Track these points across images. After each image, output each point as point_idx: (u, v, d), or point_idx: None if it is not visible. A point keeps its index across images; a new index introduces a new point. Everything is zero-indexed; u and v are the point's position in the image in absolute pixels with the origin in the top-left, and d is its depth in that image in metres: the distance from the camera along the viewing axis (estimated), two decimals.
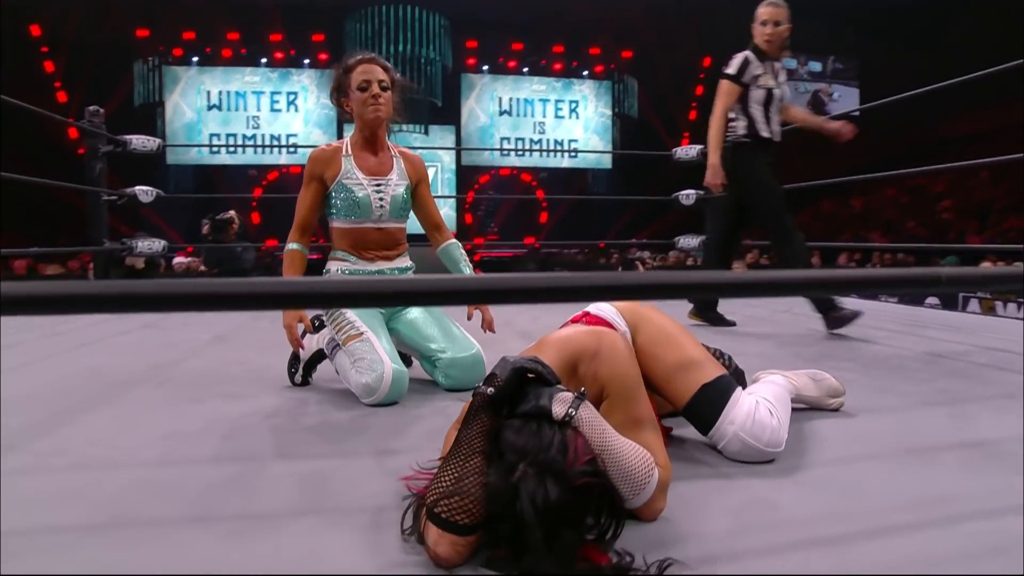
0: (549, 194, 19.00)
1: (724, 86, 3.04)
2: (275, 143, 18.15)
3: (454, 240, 1.97)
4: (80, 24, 15.72)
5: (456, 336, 1.82)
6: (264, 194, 17.76)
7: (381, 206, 1.83)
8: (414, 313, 1.86)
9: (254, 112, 18.24)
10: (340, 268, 1.85)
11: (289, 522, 0.92)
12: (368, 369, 1.59)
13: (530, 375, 0.90)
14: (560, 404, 0.86)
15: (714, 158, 2.89)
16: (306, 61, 18.16)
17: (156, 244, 4.42)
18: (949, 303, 6.18)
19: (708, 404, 1.18)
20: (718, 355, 1.38)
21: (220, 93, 18.04)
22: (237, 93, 18.14)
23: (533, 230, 18.98)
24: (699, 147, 4.94)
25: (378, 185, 1.83)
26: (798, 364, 1.86)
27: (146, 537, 0.89)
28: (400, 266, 1.91)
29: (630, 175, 18.83)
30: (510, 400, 0.88)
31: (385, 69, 1.84)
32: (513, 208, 19.17)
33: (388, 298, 0.72)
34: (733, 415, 1.16)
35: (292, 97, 18.35)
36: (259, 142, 18.15)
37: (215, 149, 17.90)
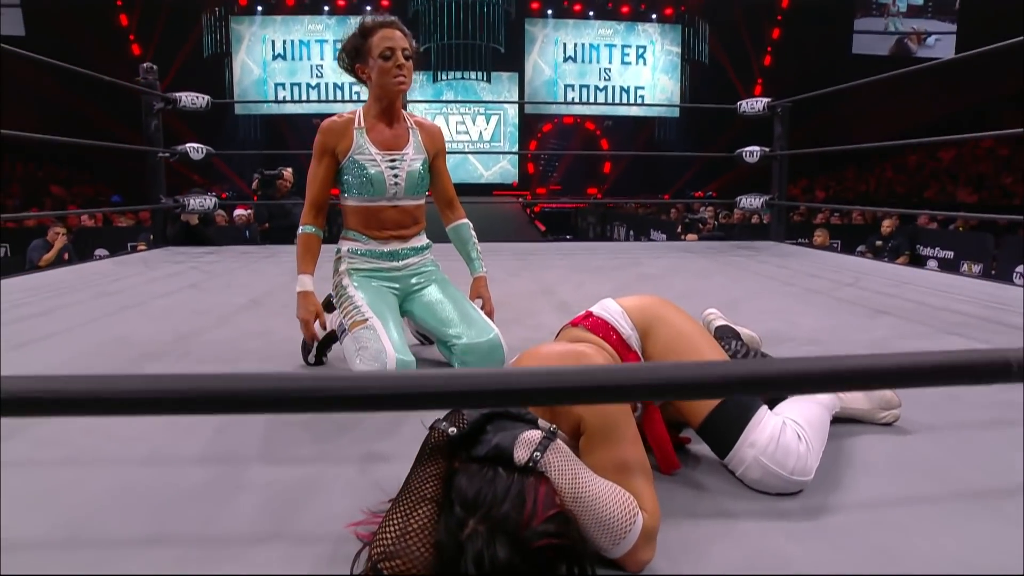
0: (614, 143, 18.47)
1: None
2: (338, 91, 18.21)
3: (465, 220, 1.87)
4: None
5: (474, 319, 1.69)
6: None
7: (396, 183, 1.71)
8: (430, 295, 1.75)
9: (318, 61, 18.32)
10: (351, 248, 1.74)
11: (244, 550, 0.86)
12: (371, 359, 1.51)
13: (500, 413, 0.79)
14: (524, 447, 0.75)
15: None
16: (368, 8, 17.99)
17: (208, 201, 4.48)
18: None
19: (726, 424, 1.04)
20: (754, 358, 1.24)
21: (284, 43, 18.16)
22: (301, 42, 18.22)
23: (596, 180, 18.57)
24: (766, 100, 4.61)
25: (392, 161, 1.71)
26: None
27: (92, 563, 0.84)
28: (415, 245, 1.79)
29: (699, 124, 18.07)
30: (471, 438, 0.77)
31: (406, 36, 1.69)
32: (576, 158, 18.76)
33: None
34: (754, 437, 1.01)
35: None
36: (323, 91, 18.25)
37: (280, 97, 18.11)
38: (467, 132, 18.66)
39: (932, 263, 6.80)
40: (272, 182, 4.91)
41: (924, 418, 1.32)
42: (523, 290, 2.86)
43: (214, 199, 4.49)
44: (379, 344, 1.52)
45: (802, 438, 1.03)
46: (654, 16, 18.55)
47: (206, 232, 4.83)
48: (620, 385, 0.53)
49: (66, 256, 5.86)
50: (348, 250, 1.74)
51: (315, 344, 1.78)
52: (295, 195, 5.35)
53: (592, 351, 0.99)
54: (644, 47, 18.64)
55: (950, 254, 6.74)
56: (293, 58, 18.24)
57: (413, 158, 1.73)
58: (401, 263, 1.75)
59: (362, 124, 1.71)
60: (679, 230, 6.81)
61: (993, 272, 6.18)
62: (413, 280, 1.77)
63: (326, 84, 18.33)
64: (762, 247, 4.54)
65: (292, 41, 18.22)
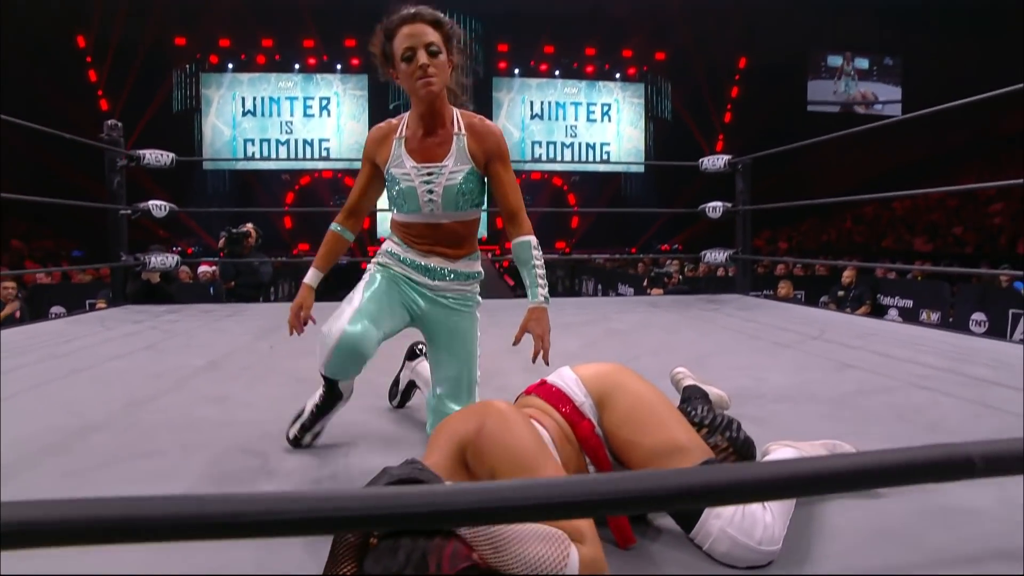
0: (581, 197, 18.79)
1: None
2: (307, 148, 18.32)
3: (526, 237, 1.56)
4: (122, 33, 16.06)
5: (462, 390, 1.58)
6: (296, 199, 17.95)
7: (431, 200, 1.52)
8: (446, 340, 1.59)
9: (287, 117, 18.46)
10: (390, 249, 1.60)
11: None
12: (326, 329, 1.42)
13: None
14: None
15: None
16: (338, 66, 18.30)
17: (169, 259, 4.39)
18: (996, 328, 5.82)
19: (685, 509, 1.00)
20: (724, 425, 1.21)
21: (255, 99, 18.31)
22: (271, 99, 18.39)
23: (565, 234, 18.78)
24: (727, 157, 4.74)
25: (429, 174, 1.52)
26: (823, 426, 1.67)
27: None
28: (460, 270, 1.58)
29: (664, 178, 18.52)
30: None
31: (436, 24, 1.49)
32: (544, 212, 19.01)
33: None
34: (720, 508, 0.98)
35: (324, 102, 18.52)
36: (292, 147, 18.34)
37: (249, 152, 18.14)
38: None
39: (893, 311, 6.95)
40: (240, 240, 4.84)
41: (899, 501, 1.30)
42: (490, 348, 2.80)
43: (176, 257, 4.41)
44: (340, 318, 1.42)
45: (767, 507, 1.00)
46: (618, 75, 19.19)
47: (167, 289, 4.72)
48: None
49: (17, 315, 5.66)
50: (387, 250, 1.61)
51: (399, 392, 1.79)
52: (259, 251, 5.28)
53: (494, 403, 1.00)
54: (609, 105, 19.21)
55: (909, 302, 6.90)
56: (263, 114, 18.37)
57: (453, 170, 1.53)
58: (436, 283, 1.57)
59: (403, 133, 1.56)
60: (645, 284, 6.87)
61: (951, 319, 6.33)
62: (440, 307, 1.59)
63: (295, 140, 18.44)
64: (728, 300, 4.59)
65: (262, 98, 18.38)
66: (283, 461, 1.47)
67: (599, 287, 10.06)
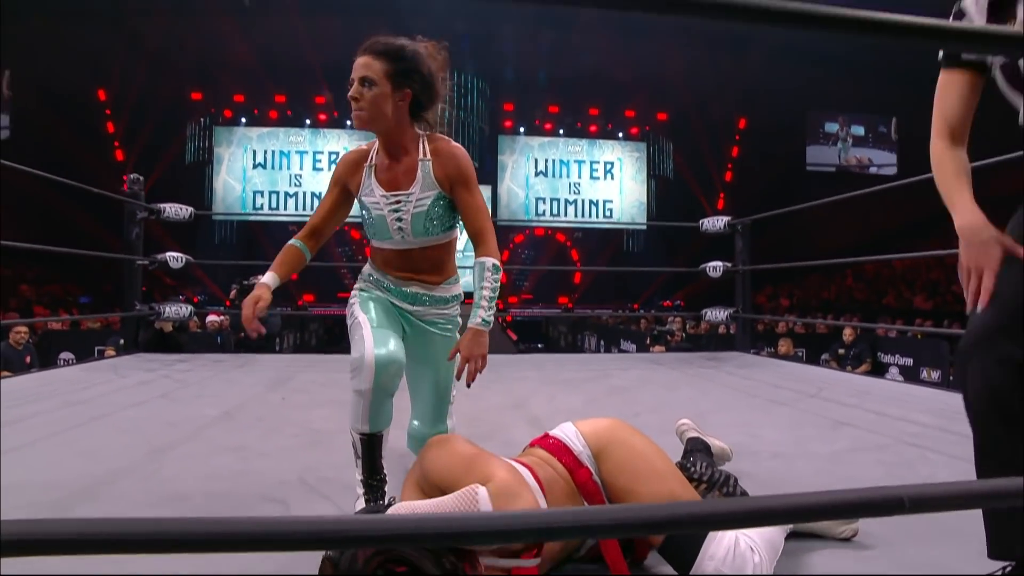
0: (584, 253, 19.04)
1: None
2: (315, 200, 18.67)
3: (488, 259, 1.57)
4: (142, 88, 16.62)
5: (438, 414, 1.64)
6: None
7: (400, 228, 1.56)
8: (421, 364, 1.63)
9: (296, 170, 18.89)
10: (370, 273, 1.64)
11: None
12: (355, 356, 1.46)
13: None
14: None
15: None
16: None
17: (183, 309, 4.51)
18: None
19: (686, 541, 1.09)
20: (722, 481, 1.30)
21: (265, 152, 18.76)
22: (281, 152, 18.84)
23: (567, 289, 18.95)
24: (726, 218, 4.88)
25: (397, 202, 1.55)
26: (816, 482, 1.74)
27: None
28: (440, 295, 1.62)
29: (666, 235, 18.79)
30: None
31: (383, 55, 1.49)
32: (547, 269, 19.22)
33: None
34: (713, 550, 1.07)
35: (333, 156, 18.97)
36: (301, 199, 18.71)
37: (258, 204, 18.50)
38: None
39: (893, 370, 7.00)
40: (250, 291, 4.96)
41: (882, 531, 1.38)
42: (496, 403, 2.90)
43: (189, 308, 4.53)
44: (361, 345, 1.45)
45: (755, 550, 1.09)
46: (620, 135, 19.65)
47: (179, 339, 4.82)
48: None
49: (27, 359, 5.75)
50: (368, 275, 1.65)
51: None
52: (270, 305, 5.40)
53: (441, 438, 1.23)
54: (612, 163, 19.61)
55: (910, 361, 6.96)
56: (273, 167, 18.80)
57: (420, 197, 1.54)
58: (416, 308, 1.61)
59: (373, 161, 1.58)
60: (648, 341, 6.96)
61: (951, 377, 6.38)
62: (422, 326, 1.63)
63: (304, 193, 18.81)
64: (728, 358, 4.67)
65: (273, 151, 18.83)
66: (304, 508, 1.54)
67: (601, 343, 10.13)
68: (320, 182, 18.84)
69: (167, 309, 4.44)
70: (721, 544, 1.08)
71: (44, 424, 2.38)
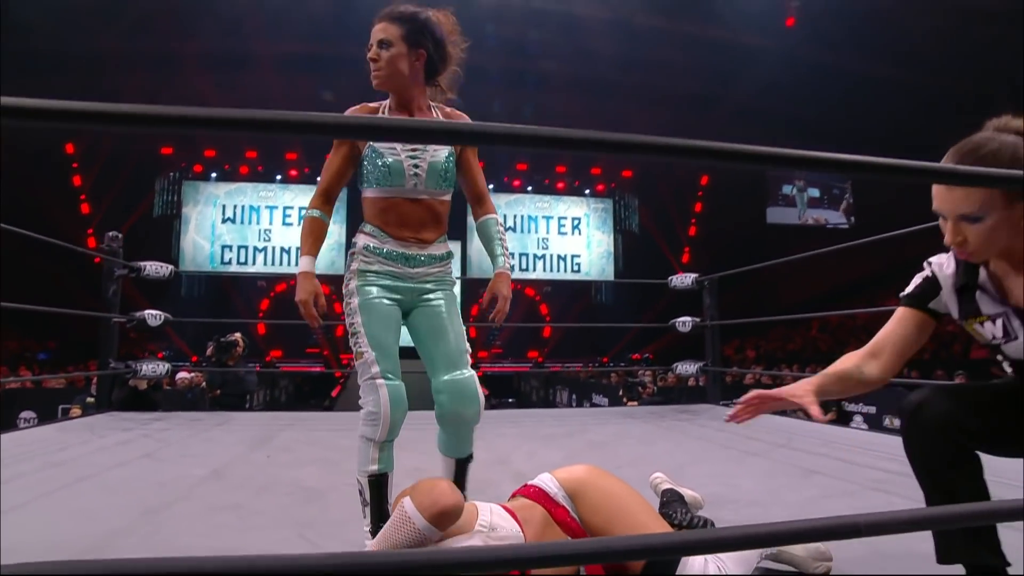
0: (554, 307, 19.24)
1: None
2: (284, 255, 18.66)
3: (493, 215, 1.80)
4: (113, 142, 16.61)
5: (453, 361, 1.70)
6: (271, 305, 18.06)
7: (416, 173, 1.64)
8: (430, 320, 1.72)
9: (266, 225, 18.90)
10: (367, 244, 1.69)
11: None
12: (368, 392, 1.60)
13: None
14: None
15: None
16: (318, 178, 18.94)
17: (160, 367, 4.50)
18: None
19: (661, 567, 1.22)
20: (701, 526, 1.40)
21: (235, 207, 18.77)
22: (251, 207, 18.86)
23: (538, 344, 19.05)
24: (694, 275, 5.09)
25: (414, 150, 1.64)
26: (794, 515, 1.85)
27: None
28: (435, 253, 1.72)
29: (634, 288, 19.14)
30: None
31: (398, 20, 1.64)
32: (517, 322, 19.35)
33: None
34: (687, 573, 1.21)
35: (303, 211, 18.98)
36: (269, 254, 18.67)
37: (226, 259, 18.39)
38: None
39: (858, 418, 7.20)
40: (228, 349, 4.99)
41: (854, 570, 1.49)
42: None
43: (167, 365, 4.52)
44: (377, 398, 1.58)
45: (721, 569, 1.23)
46: (587, 191, 20.18)
47: (153, 397, 4.78)
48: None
49: None
50: (363, 246, 1.69)
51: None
52: (244, 360, 5.40)
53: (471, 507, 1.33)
54: (579, 218, 20.05)
55: (873, 409, 7.17)
56: (242, 222, 18.79)
57: (437, 148, 1.65)
58: (416, 270, 1.69)
59: (385, 114, 1.69)
60: (621, 394, 7.07)
61: None
62: (423, 292, 1.72)
63: (273, 248, 18.79)
64: (700, 410, 4.79)
65: (242, 206, 18.85)
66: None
67: (574, 397, 10.21)
68: (290, 237, 18.85)
69: (144, 367, 4.42)
70: (694, 566, 1.21)
71: (31, 486, 2.37)
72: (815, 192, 19.80)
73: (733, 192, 19.24)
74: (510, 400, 13.07)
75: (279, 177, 18.77)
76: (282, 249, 18.71)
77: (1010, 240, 1.15)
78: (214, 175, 18.65)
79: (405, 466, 1.91)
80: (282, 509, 2.06)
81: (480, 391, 1.72)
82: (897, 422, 6.83)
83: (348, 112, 1.69)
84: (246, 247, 18.66)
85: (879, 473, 2.60)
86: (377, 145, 1.64)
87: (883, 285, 16.01)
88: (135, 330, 4.57)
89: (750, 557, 1.35)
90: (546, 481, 1.41)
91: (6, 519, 1.91)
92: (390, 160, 1.63)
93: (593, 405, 8.63)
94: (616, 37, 16.03)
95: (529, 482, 1.44)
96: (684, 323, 5.04)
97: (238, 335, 5.12)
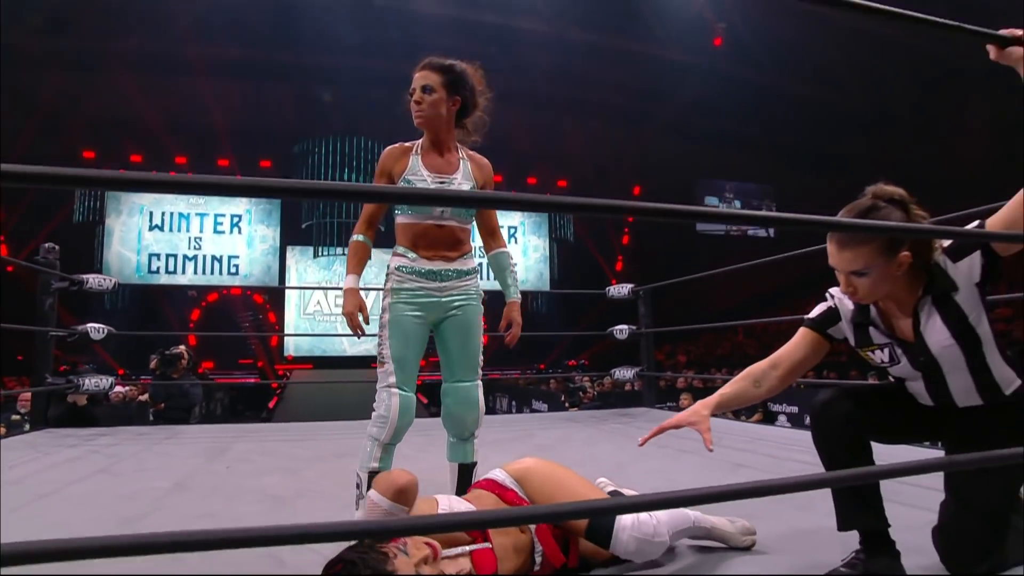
0: (490, 316, 19.35)
1: None
2: (216, 264, 18.19)
3: (505, 249, 2.13)
4: (28, 144, 15.79)
5: (467, 369, 2.02)
6: (202, 315, 17.56)
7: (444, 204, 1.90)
8: (454, 334, 2.00)
9: (197, 233, 18.35)
10: (399, 265, 1.95)
11: None
12: (382, 399, 1.87)
13: None
14: None
15: None
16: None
17: (104, 381, 4.44)
18: None
19: (602, 525, 1.49)
20: None
21: (163, 214, 18.14)
22: (180, 215, 18.28)
23: None
24: (630, 285, 5.38)
25: (441, 182, 1.92)
26: (723, 511, 2.09)
27: None
28: (460, 268, 1.98)
29: (569, 295, 19.56)
30: None
31: (439, 69, 1.91)
32: None
33: None
34: (622, 524, 1.48)
35: (236, 219, 18.56)
36: (200, 263, 18.14)
37: (154, 268, 17.77)
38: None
39: (782, 417, 7.67)
40: (173, 362, 4.95)
41: (779, 544, 1.74)
42: (437, 464, 3.10)
43: (111, 379, 4.46)
44: (389, 404, 1.85)
45: (652, 516, 1.51)
46: None
47: (94, 412, 4.70)
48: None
49: None
50: (396, 267, 1.96)
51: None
52: (188, 373, 5.35)
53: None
54: (515, 227, 20.35)
55: (795, 409, 7.66)
56: (171, 230, 18.19)
57: (461, 183, 1.95)
58: (443, 284, 1.95)
59: (418, 151, 1.96)
60: (563, 399, 7.32)
61: None
62: (450, 306, 1.98)
63: (204, 256, 18.27)
64: (637, 413, 5.08)
65: (171, 213, 18.25)
66: (299, 560, 1.72)
67: (513, 404, 10.41)
68: (222, 245, 18.38)
69: (87, 381, 4.36)
70: (626, 519, 1.49)
71: None
72: (737, 204, 20.85)
73: (664, 201, 19.89)
74: None
75: None
76: (214, 258, 18.23)
77: (891, 288, 1.45)
78: None
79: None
80: (256, 516, 2.17)
81: (481, 400, 2.03)
82: None
83: (386, 151, 1.99)
84: (175, 256, 18.08)
85: (799, 465, 2.90)
86: (411, 177, 1.93)
87: (804, 291, 16.95)
88: (59, 345, 4.43)
89: (679, 522, 1.62)
90: (496, 473, 1.68)
91: None
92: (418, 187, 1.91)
93: (533, 411, 8.86)
94: (551, 51, 16.44)
95: (485, 476, 1.71)
96: (621, 331, 5.32)
97: (182, 348, 5.08)
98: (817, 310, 1.64)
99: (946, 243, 1.46)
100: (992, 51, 1.36)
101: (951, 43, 13.98)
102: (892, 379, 1.62)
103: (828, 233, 1.44)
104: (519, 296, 2.11)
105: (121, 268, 17.11)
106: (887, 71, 16.18)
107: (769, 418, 7.58)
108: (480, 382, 2.06)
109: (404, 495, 1.42)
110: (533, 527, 1.55)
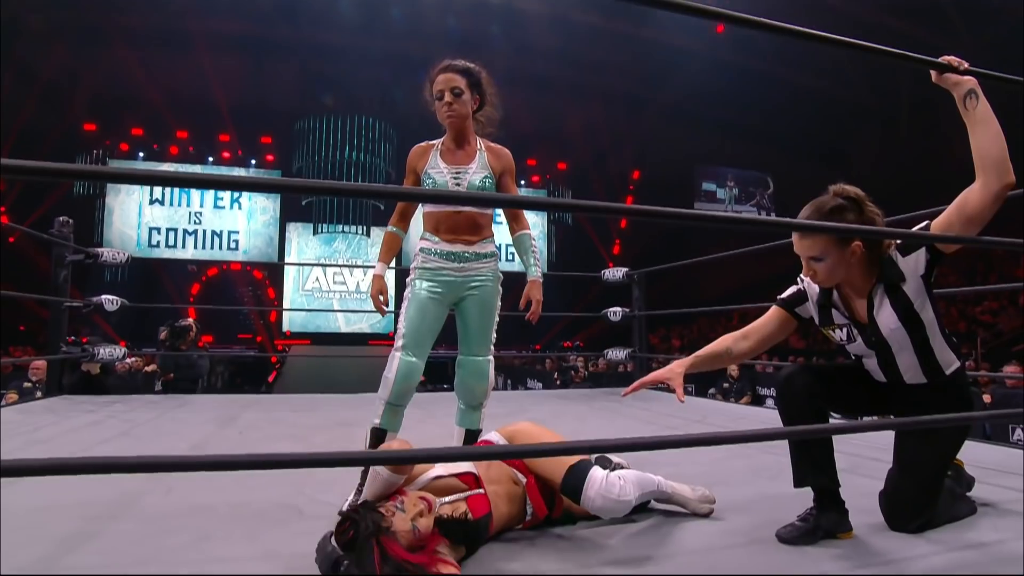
0: (510, 296, 19.51)
1: None
2: (216, 239, 18.31)
3: (527, 231, 2.26)
4: (31, 117, 15.83)
5: (480, 345, 2.18)
6: (202, 290, 17.71)
7: (458, 190, 2.07)
8: (472, 310, 2.16)
9: (197, 208, 18.45)
10: (423, 247, 2.13)
11: None
12: (390, 360, 2.04)
13: None
14: None
15: None
16: (253, 161, 18.65)
17: (116, 351, 4.63)
18: None
19: (574, 479, 1.68)
20: (614, 467, 1.84)
21: (163, 189, 18.21)
22: (181, 189, 18.36)
23: None
24: (624, 269, 5.56)
25: (457, 173, 2.10)
26: (699, 480, 2.30)
27: None
28: (479, 251, 2.15)
29: (566, 278, 19.75)
30: None
31: (463, 72, 2.09)
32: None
33: None
34: (590, 480, 1.68)
35: (236, 195, 18.62)
36: (200, 238, 18.26)
37: (154, 242, 17.88)
38: (344, 283, 19.11)
39: (769, 401, 7.93)
40: (182, 334, 5.13)
41: (735, 515, 1.94)
42: (439, 433, 3.31)
43: (123, 349, 4.65)
44: (392, 368, 2.02)
45: (620, 478, 1.70)
46: (523, 182, 20.59)
47: (105, 381, 4.89)
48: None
49: None
50: (421, 249, 2.14)
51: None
52: (196, 345, 5.55)
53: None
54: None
55: None
56: (172, 204, 18.29)
57: (475, 172, 2.11)
58: (462, 265, 2.11)
59: (439, 148, 2.15)
60: (556, 378, 7.54)
61: None
62: (469, 285, 2.14)
63: (204, 231, 18.39)
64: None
65: (172, 188, 18.33)
66: (320, 509, 1.92)
67: (508, 382, 10.66)
68: (223, 221, 18.48)
69: (101, 351, 4.55)
70: (596, 476, 1.69)
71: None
72: (736, 190, 20.99)
73: (663, 187, 20.09)
74: (444, 386, 13.39)
75: (211, 159, 18.33)
76: (214, 233, 18.34)
77: (847, 274, 1.66)
78: (141, 155, 18.01)
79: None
80: (277, 474, 2.36)
81: (492, 374, 2.19)
82: None
83: (412, 150, 2.19)
84: (175, 230, 18.20)
85: (775, 443, 3.10)
86: (431, 171, 2.12)
87: (794, 281, 17.16)
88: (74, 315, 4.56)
89: (645, 485, 1.82)
90: (490, 435, 1.92)
91: (26, 484, 2.14)
92: (439, 181, 2.10)
93: (528, 389, 9.10)
94: (554, 32, 16.46)
95: (483, 436, 1.99)
96: (615, 313, 5.52)
97: (191, 320, 5.26)
98: (788, 291, 1.85)
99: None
100: (933, 75, 1.56)
101: (952, 39, 14.09)
102: (852, 358, 1.82)
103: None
104: (540, 275, 2.24)
105: (123, 242, 17.19)
106: (888, 64, 16.27)
107: (758, 400, 7.82)
108: (492, 358, 2.21)
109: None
110: (524, 482, 1.76)
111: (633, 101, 19.05)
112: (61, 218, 4.75)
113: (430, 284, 2.11)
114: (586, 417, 4.08)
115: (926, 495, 1.68)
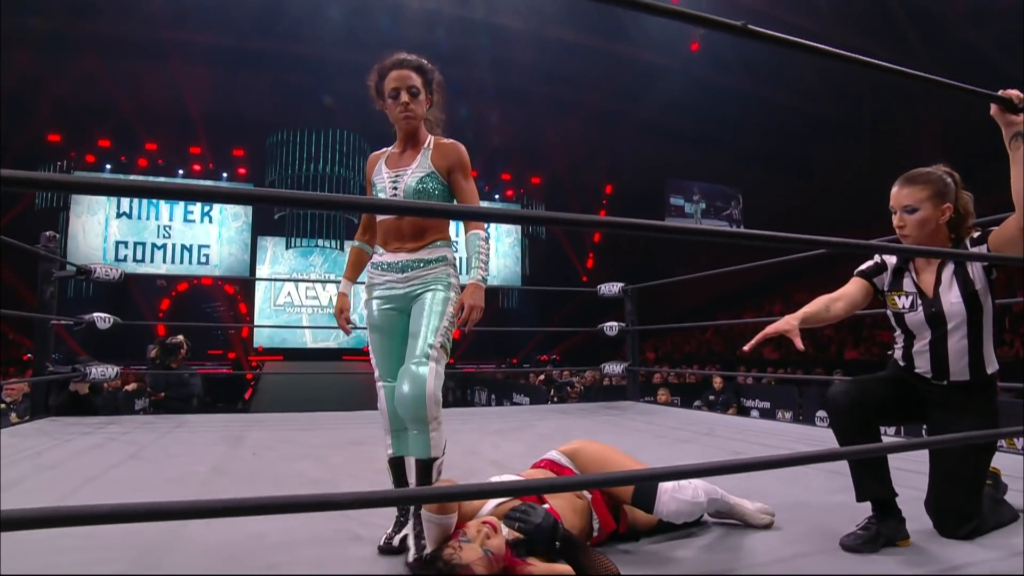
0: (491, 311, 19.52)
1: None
2: (186, 253, 17.96)
3: (476, 231, 1.94)
4: None
5: (417, 348, 1.82)
6: (172, 306, 17.33)
7: (395, 196, 1.93)
8: (413, 317, 1.90)
9: (166, 221, 18.10)
10: (372, 261, 2.01)
11: None
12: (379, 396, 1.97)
13: None
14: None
15: None
16: (224, 175, 18.38)
17: (109, 371, 4.50)
18: None
19: (646, 491, 1.74)
20: None
21: (131, 202, 17.81)
22: (149, 202, 17.96)
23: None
24: (620, 284, 5.61)
25: (396, 177, 1.94)
26: (731, 491, 2.33)
27: None
28: (423, 258, 1.91)
29: (539, 292, 19.85)
30: None
31: (418, 70, 1.93)
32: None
33: None
34: (663, 488, 1.74)
35: (207, 208, 18.31)
36: (169, 252, 17.89)
37: (121, 256, 17.45)
38: (316, 298, 18.88)
39: (755, 412, 8.05)
40: (173, 351, 5.01)
41: (793, 528, 1.97)
42: (452, 451, 3.29)
43: (116, 368, 4.52)
44: (380, 400, 1.96)
45: (690, 483, 1.77)
46: (497, 196, 20.67)
47: (94, 401, 4.75)
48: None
49: None
50: (370, 263, 2.03)
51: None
52: (187, 363, 5.42)
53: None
54: (488, 224, 20.49)
55: (767, 404, 8.05)
56: (139, 217, 17.89)
57: (414, 172, 1.92)
58: (406, 275, 1.91)
59: (387, 153, 2.01)
60: (552, 392, 7.56)
61: (800, 417, 7.49)
62: (415, 294, 1.90)
63: (173, 245, 18.03)
64: (625, 406, 5.32)
65: (140, 200, 17.92)
66: (369, 528, 1.89)
67: (493, 397, 10.60)
68: (192, 235, 18.14)
69: (93, 370, 4.42)
70: (667, 485, 1.73)
71: (44, 486, 2.47)
72: (703, 205, 21.39)
73: (634, 201, 20.36)
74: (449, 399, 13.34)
75: (181, 172, 17.98)
76: (183, 247, 17.99)
77: (930, 236, 1.82)
78: (108, 167, 17.60)
79: None
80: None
81: (425, 386, 1.76)
82: (788, 415, 7.72)
83: (368, 160, 2.08)
84: (143, 244, 17.81)
85: (789, 452, 3.16)
86: (375, 179, 2.00)
87: (768, 292, 17.52)
88: (22, 331, 4.40)
89: (711, 492, 1.87)
90: (552, 453, 1.93)
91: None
92: (378, 188, 1.98)
93: (514, 404, 9.07)
94: (530, 48, 16.62)
95: (544, 457, 1.94)
96: (611, 327, 5.56)
97: (181, 337, 5.14)
98: (866, 264, 2.00)
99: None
100: (993, 109, 1.66)
101: (908, 55, 14.62)
102: (897, 348, 1.94)
103: (899, 177, 1.86)
104: (479, 277, 1.91)
105: (88, 256, 16.72)
106: (851, 79, 16.78)
107: (742, 412, 7.93)
108: (434, 364, 1.80)
109: (444, 504, 1.57)
110: (588, 497, 1.77)
111: (607, 115, 19.29)
112: (48, 233, 4.62)
113: (379, 301, 1.96)
114: (596, 432, 4.09)
115: (971, 502, 1.78)
